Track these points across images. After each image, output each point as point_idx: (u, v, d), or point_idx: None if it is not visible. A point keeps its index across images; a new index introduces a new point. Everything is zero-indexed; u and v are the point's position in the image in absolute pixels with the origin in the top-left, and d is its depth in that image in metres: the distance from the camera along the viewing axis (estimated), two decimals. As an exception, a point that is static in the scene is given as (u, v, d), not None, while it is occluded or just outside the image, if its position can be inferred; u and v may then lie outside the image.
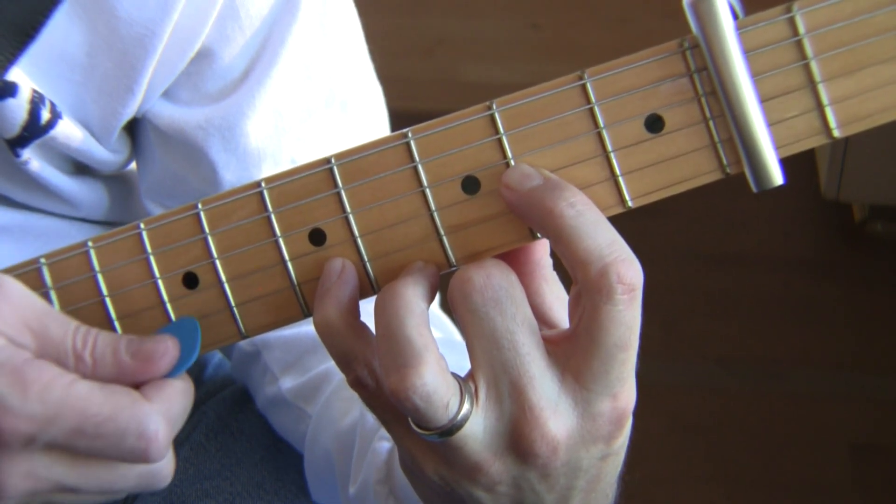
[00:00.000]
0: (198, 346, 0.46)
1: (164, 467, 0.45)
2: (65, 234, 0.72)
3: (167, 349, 0.45)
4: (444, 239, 0.45)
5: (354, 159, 0.45)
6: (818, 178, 1.95)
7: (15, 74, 0.59)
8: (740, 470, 1.65)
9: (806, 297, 1.89)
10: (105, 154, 0.67)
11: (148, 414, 0.43)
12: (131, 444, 0.43)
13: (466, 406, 0.43)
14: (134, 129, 0.71)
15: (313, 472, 0.71)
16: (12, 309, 0.44)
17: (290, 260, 0.46)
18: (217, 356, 0.86)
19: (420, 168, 0.45)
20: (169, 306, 0.46)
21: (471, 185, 0.45)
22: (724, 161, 0.44)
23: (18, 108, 0.59)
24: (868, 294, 1.88)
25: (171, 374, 0.45)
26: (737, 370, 1.79)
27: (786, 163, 0.44)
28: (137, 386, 0.45)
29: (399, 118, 0.70)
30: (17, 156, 0.62)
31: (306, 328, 0.71)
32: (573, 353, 0.43)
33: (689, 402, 1.74)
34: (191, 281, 0.46)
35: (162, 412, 0.44)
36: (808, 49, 0.43)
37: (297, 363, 0.72)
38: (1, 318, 0.43)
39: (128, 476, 0.45)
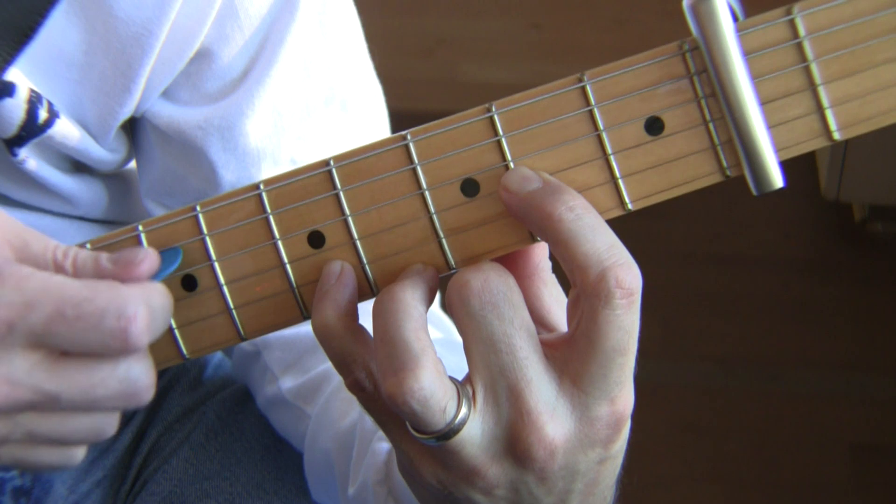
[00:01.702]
0: (179, 259, 0.46)
1: (144, 374, 0.44)
2: (63, 233, 0.72)
3: (147, 254, 0.44)
4: (443, 241, 0.45)
5: (353, 161, 0.45)
6: (818, 179, 1.95)
7: (12, 74, 0.59)
8: (740, 470, 1.65)
9: (806, 297, 1.89)
10: (102, 153, 0.67)
11: (127, 295, 0.42)
12: (111, 324, 0.42)
13: (464, 410, 0.43)
14: (134, 128, 0.71)
15: (313, 472, 0.71)
16: None
17: (289, 262, 0.46)
18: (217, 356, 0.86)
19: (419, 170, 0.45)
20: (167, 308, 0.46)
21: (470, 187, 0.45)
22: (725, 164, 0.44)
23: (16, 107, 0.59)
24: (868, 294, 1.87)
25: (153, 279, 0.45)
26: (737, 370, 1.79)
27: (785, 163, 0.44)
28: None
29: (399, 118, 0.70)
30: (15, 155, 0.62)
31: (306, 328, 0.71)
32: (571, 356, 0.43)
33: (688, 403, 1.74)
34: (189, 283, 0.46)
35: (141, 297, 0.43)
36: (809, 51, 0.43)
37: (297, 363, 0.72)
38: None
39: (109, 380, 0.43)
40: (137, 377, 0.44)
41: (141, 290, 0.43)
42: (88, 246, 0.46)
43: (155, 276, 0.45)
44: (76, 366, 0.43)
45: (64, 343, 0.42)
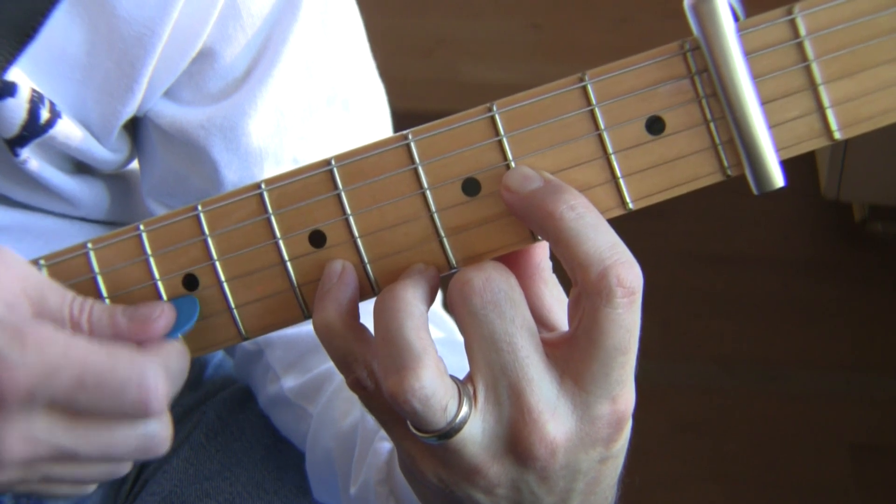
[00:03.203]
0: (196, 315, 0.46)
1: (162, 430, 0.45)
2: (65, 234, 0.72)
3: (163, 311, 0.45)
4: (445, 241, 0.45)
5: (355, 161, 0.45)
6: (818, 179, 1.95)
7: (14, 74, 0.59)
8: (740, 470, 1.65)
9: (806, 297, 1.89)
10: (105, 153, 0.67)
11: (147, 365, 0.43)
12: (132, 396, 0.43)
13: (465, 409, 0.43)
14: (136, 128, 0.71)
15: (315, 471, 0.71)
16: (11, 276, 0.44)
17: (290, 261, 0.46)
18: (217, 356, 0.86)
19: (420, 170, 0.45)
20: (169, 307, 0.47)
21: (471, 186, 0.45)
22: (725, 163, 0.44)
23: (18, 107, 0.59)
24: (868, 294, 1.88)
25: (169, 336, 0.46)
26: (737, 370, 1.79)
27: (786, 163, 0.44)
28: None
29: (399, 118, 0.70)
30: (17, 155, 0.62)
31: (308, 328, 0.71)
32: (572, 355, 0.43)
33: (689, 403, 1.74)
34: (191, 282, 0.46)
35: (161, 364, 0.44)
36: (809, 51, 0.43)
37: (299, 362, 0.72)
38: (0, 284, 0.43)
39: (127, 439, 0.44)
40: (155, 434, 0.45)
41: (159, 357, 0.44)
42: (90, 245, 0.46)
43: (172, 332, 0.45)
44: (95, 425, 0.44)
45: (83, 409, 0.43)
